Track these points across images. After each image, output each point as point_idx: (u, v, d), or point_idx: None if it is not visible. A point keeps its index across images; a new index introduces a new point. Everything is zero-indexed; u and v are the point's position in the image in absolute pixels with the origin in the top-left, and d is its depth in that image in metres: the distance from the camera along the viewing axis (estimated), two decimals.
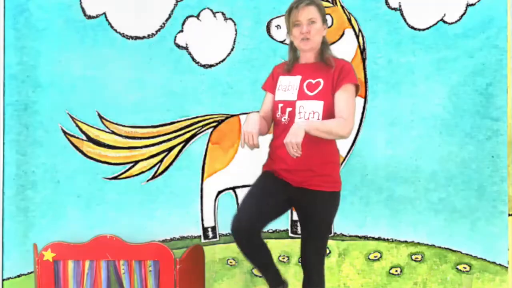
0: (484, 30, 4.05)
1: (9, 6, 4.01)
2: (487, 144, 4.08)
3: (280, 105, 3.32)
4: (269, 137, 3.36)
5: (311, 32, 3.29)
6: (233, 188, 4.08)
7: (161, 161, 4.08)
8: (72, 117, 4.05)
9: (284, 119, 3.31)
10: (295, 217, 3.97)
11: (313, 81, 3.32)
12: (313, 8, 3.32)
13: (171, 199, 4.08)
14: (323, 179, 3.29)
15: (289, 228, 4.06)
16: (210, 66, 4.07)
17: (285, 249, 4.06)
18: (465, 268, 4.11)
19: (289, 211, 3.90)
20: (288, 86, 3.34)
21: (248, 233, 3.21)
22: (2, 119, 4.02)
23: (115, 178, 4.07)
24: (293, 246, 4.04)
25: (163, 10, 4.05)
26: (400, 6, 4.06)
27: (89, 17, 4.04)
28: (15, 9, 4.01)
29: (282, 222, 3.84)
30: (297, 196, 3.31)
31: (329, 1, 4.04)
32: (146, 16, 4.04)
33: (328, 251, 4.10)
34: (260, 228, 3.27)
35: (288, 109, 3.31)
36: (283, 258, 4.05)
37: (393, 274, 4.12)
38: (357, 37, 4.05)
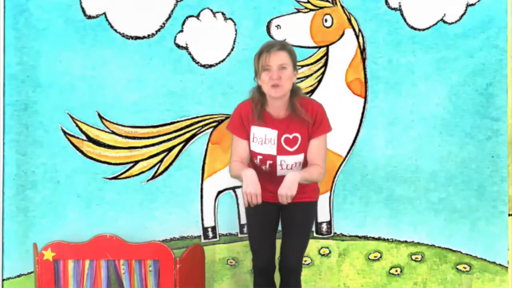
0: (484, 30, 4.05)
1: (9, 6, 4.00)
2: (487, 144, 4.08)
3: (259, 157, 3.43)
4: None
5: (282, 78, 3.29)
6: (233, 188, 4.07)
7: (161, 161, 4.08)
8: (72, 117, 4.05)
9: (265, 168, 3.45)
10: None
11: (290, 136, 3.41)
12: (284, 54, 3.32)
13: (171, 199, 4.08)
14: (303, 192, 3.42)
15: None
16: (210, 66, 4.07)
17: None
18: (465, 268, 4.10)
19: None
20: (265, 140, 3.41)
21: (272, 267, 3.54)
22: (2, 119, 4.01)
23: (115, 178, 4.07)
24: None
25: (163, 10, 4.05)
26: (400, 6, 4.06)
27: (89, 17, 4.04)
28: (15, 9, 4.01)
29: None
30: (281, 207, 3.45)
31: (329, 1, 4.04)
32: (146, 16, 4.04)
33: (328, 251, 4.10)
34: (274, 257, 3.57)
35: (269, 162, 3.43)
36: None
37: (393, 274, 4.12)
38: (357, 37, 4.06)
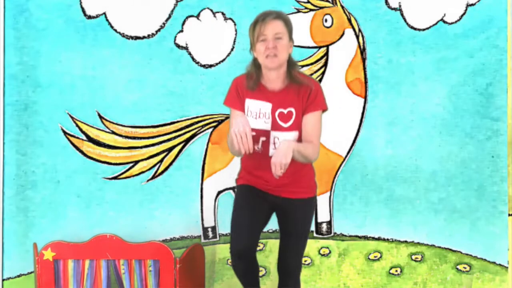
0: (484, 30, 4.06)
1: (9, 6, 4.00)
2: (487, 144, 4.08)
3: (253, 133, 3.23)
4: None
5: (277, 48, 3.19)
6: (233, 188, 4.07)
7: (161, 161, 4.08)
8: (72, 117, 4.05)
9: (257, 148, 3.29)
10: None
11: (285, 111, 3.28)
12: (280, 23, 3.22)
13: (171, 199, 4.08)
14: (299, 186, 3.33)
15: None
16: (210, 66, 4.07)
17: None
18: (465, 268, 4.11)
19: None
20: (259, 114, 3.28)
21: (249, 252, 3.28)
22: (2, 119, 4.01)
23: (115, 178, 4.07)
24: None
25: (163, 10, 4.05)
26: (400, 6, 4.06)
27: (89, 17, 4.04)
28: (15, 9, 4.01)
29: None
30: (277, 204, 3.37)
31: (329, 1, 4.05)
32: (146, 16, 4.04)
33: (328, 251, 4.10)
34: (257, 245, 3.37)
35: (262, 139, 3.28)
36: None
37: (393, 274, 4.12)
38: (357, 37, 4.06)
